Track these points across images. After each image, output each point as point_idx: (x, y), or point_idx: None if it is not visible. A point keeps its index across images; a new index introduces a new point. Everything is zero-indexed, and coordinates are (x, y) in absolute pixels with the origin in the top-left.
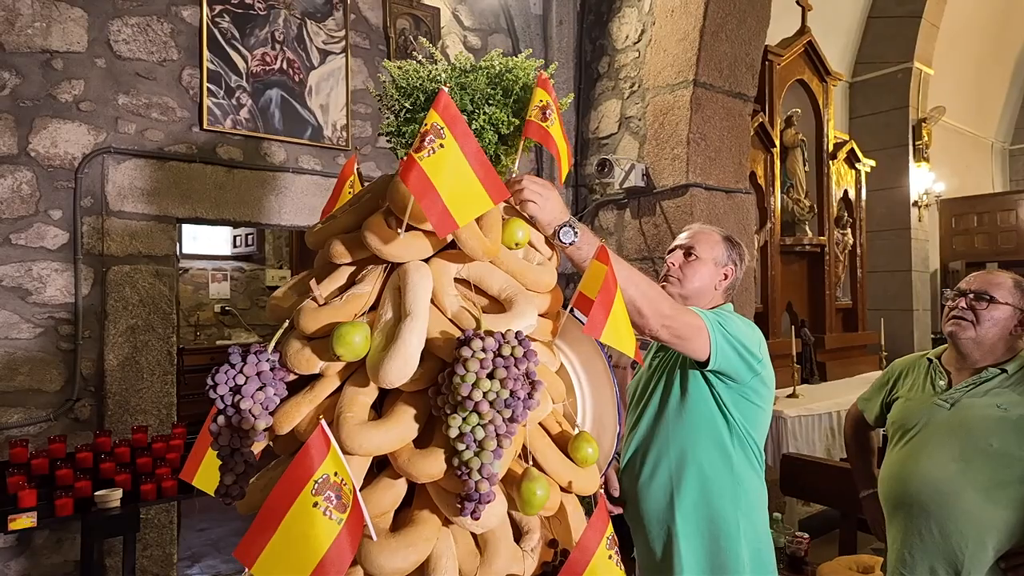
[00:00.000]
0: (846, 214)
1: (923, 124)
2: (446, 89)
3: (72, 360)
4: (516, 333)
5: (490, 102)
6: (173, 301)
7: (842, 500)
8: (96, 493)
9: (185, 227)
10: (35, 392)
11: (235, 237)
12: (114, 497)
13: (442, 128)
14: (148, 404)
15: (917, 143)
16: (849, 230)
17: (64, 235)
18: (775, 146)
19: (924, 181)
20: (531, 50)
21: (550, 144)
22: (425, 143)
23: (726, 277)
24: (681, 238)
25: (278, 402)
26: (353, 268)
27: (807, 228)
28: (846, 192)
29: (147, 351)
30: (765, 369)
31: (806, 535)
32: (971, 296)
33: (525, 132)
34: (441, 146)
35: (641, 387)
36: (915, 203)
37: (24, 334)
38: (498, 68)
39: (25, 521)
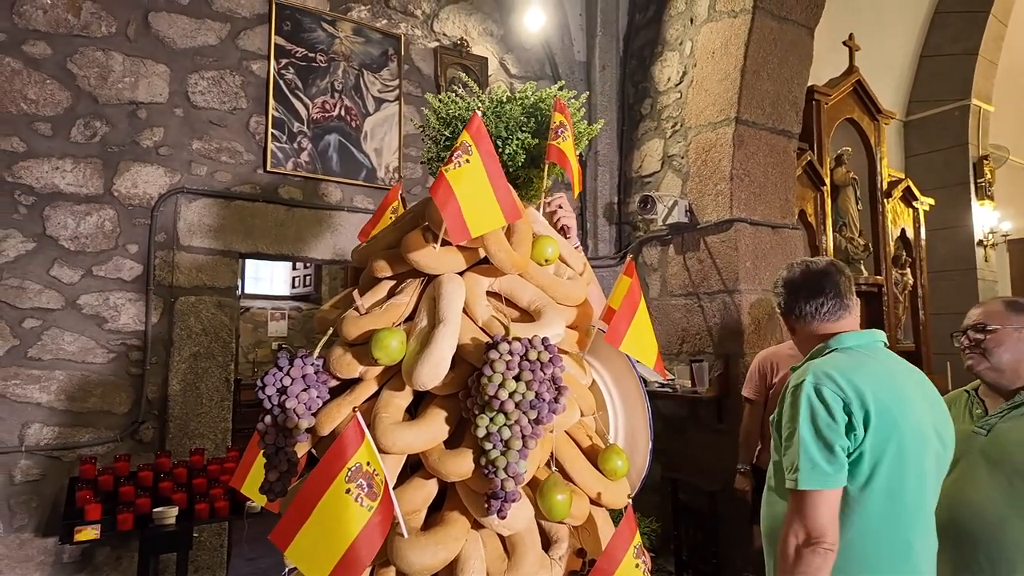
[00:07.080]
0: (904, 253)
1: (984, 161)
2: (479, 114)
3: (139, 384)
4: (543, 339)
5: (523, 129)
6: (233, 331)
7: None
8: (154, 510)
9: (248, 268)
10: (105, 414)
11: (294, 278)
12: (170, 514)
13: (470, 146)
14: (205, 428)
15: (979, 181)
16: (908, 270)
17: (138, 267)
18: (825, 184)
19: (989, 220)
20: (563, 82)
21: (566, 164)
22: (454, 157)
23: None
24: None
25: (321, 404)
26: (394, 282)
27: (862, 267)
28: (903, 231)
29: (207, 377)
30: None
31: None
32: (969, 331)
33: (548, 156)
34: (467, 161)
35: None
36: (980, 242)
37: (99, 359)
38: (532, 99)
39: (90, 532)
